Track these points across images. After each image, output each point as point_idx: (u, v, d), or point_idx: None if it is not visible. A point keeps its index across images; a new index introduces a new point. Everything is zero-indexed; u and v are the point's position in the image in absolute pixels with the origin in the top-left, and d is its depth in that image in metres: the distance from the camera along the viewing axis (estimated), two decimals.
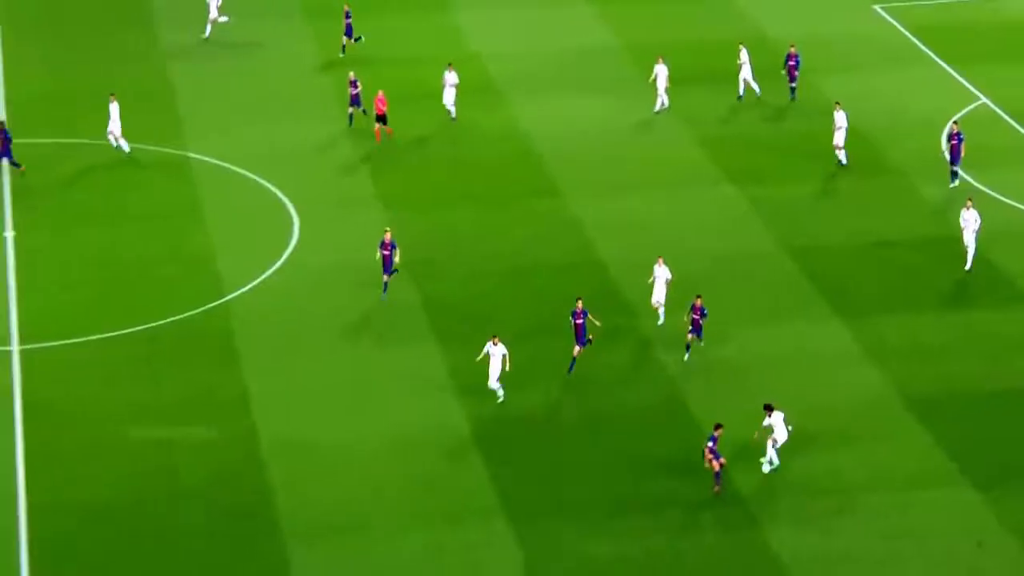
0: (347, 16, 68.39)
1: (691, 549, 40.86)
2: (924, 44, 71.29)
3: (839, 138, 59.35)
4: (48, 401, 46.48)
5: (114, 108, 60.24)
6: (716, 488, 42.30)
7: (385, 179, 59.64)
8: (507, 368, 45.52)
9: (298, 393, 47.15)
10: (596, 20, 74.17)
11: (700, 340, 47.96)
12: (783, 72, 64.42)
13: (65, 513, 42.04)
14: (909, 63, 69.85)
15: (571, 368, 47.32)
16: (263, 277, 53.13)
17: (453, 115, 63.06)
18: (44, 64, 68.79)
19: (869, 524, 41.25)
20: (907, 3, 75.72)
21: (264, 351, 48.93)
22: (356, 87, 61.91)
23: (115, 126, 60.23)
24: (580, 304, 46.97)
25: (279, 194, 58.50)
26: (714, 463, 42.07)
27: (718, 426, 42.44)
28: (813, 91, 65.56)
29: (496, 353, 45.57)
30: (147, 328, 50.14)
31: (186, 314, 50.85)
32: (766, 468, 43.07)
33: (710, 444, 42.16)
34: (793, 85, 64.37)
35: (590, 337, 47.31)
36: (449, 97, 62.72)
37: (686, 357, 47.92)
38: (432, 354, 48.90)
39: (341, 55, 68.39)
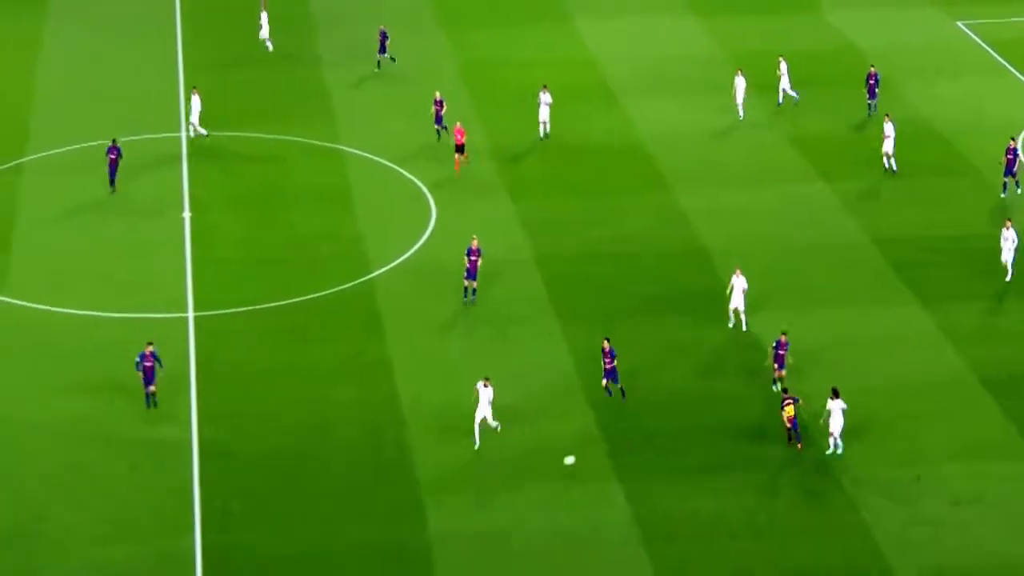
0: (383, 37, 67.22)
1: (781, 507, 40.79)
2: (1003, 57, 70.05)
3: (888, 146, 58.47)
4: (218, 362, 47.01)
5: (196, 100, 60.50)
6: (799, 445, 42.32)
7: (511, 172, 59.63)
8: (491, 412, 42.63)
9: (434, 361, 47.34)
10: (701, 31, 73.61)
11: (783, 372, 44.83)
12: (864, 90, 63.63)
13: (233, 461, 42.64)
14: (987, 74, 68.68)
15: (608, 391, 44.74)
16: (404, 257, 53.40)
17: (547, 131, 61.02)
18: (215, 66, 69.32)
19: (944, 492, 40.91)
20: (988, 20, 74.38)
21: (405, 323, 49.18)
22: (441, 107, 60.62)
23: (195, 116, 60.46)
24: (607, 344, 44.40)
25: (419, 184, 58.78)
26: (786, 413, 42.16)
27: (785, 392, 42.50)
28: (897, 98, 64.71)
29: (485, 395, 42.46)
30: (304, 300, 50.55)
31: (337, 288, 51.23)
32: (828, 452, 42.47)
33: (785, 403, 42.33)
34: (871, 102, 63.36)
35: (620, 387, 44.63)
36: (544, 114, 60.85)
37: (775, 388, 45.02)
38: (552, 329, 48.97)
39: (376, 70, 67.38)
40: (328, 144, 61.73)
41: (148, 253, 53.38)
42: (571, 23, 74.16)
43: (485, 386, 42.60)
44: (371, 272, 52.22)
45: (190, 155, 60.54)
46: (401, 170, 59.58)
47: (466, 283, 49.41)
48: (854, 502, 40.79)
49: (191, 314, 49.57)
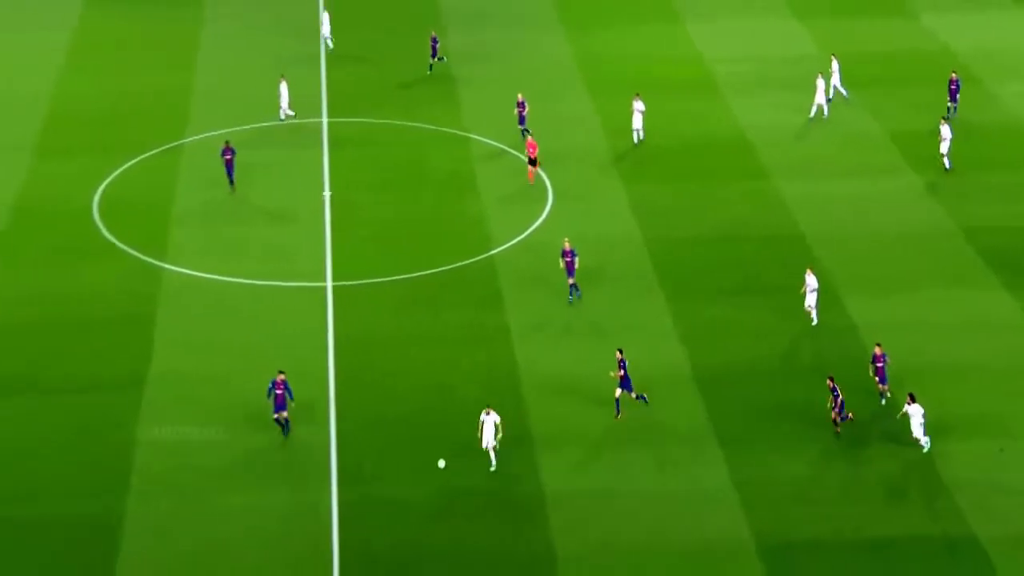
0: (434, 42, 66.44)
1: (871, 474, 40.41)
2: None
3: (944, 147, 57.12)
4: (353, 328, 47.40)
5: (283, 87, 60.70)
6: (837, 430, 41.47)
7: (624, 161, 59.42)
8: (500, 435, 40.52)
9: (549, 330, 47.41)
10: (802, 32, 72.63)
11: (886, 385, 42.72)
12: (949, 98, 62.25)
13: (365, 419, 43.02)
14: None
15: (618, 411, 42.66)
16: (522, 236, 53.43)
17: (640, 138, 59.31)
18: (354, 60, 69.80)
19: None
20: None
21: (522, 295, 49.28)
22: (523, 108, 59.73)
23: (284, 101, 60.68)
24: (620, 354, 42.40)
25: (538, 169, 58.70)
26: (834, 410, 41.17)
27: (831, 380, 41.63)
28: (989, 99, 63.38)
29: (489, 422, 40.47)
30: (431, 273, 50.90)
31: (462, 263, 51.48)
32: (925, 449, 41.26)
33: (835, 402, 41.18)
34: (951, 105, 61.87)
35: (635, 395, 42.64)
36: (637, 121, 59.03)
37: (883, 402, 42.95)
38: (659, 305, 48.79)
39: (428, 72, 66.49)
40: (455, 131, 61.91)
41: (292, 228, 53.98)
42: (681, 24, 73.58)
43: (488, 413, 40.41)
44: (492, 249, 52.37)
45: (331, 139, 61.08)
46: (521, 155, 59.56)
47: (571, 281, 48.46)
48: (940, 473, 40.16)
49: (329, 284, 49.99)
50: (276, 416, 41.35)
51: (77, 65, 67.98)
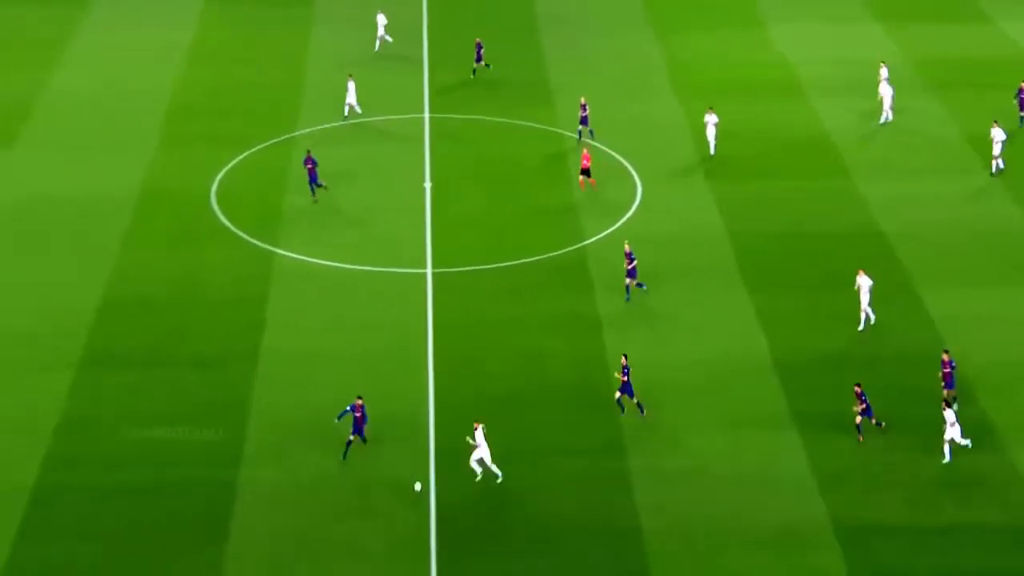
0: (479, 47, 65.94)
1: (932, 466, 39.87)
2: None
3: (996, 150, 56.05)
4: (451, 314, 47.66)
5: (351, 85, 60.85)
6: (859, 437, 40.65)
7: (709, 159, 59.04)
8: (489, 454, 39.23)
9: (637, 319, 47.35)
10: (883, 36, 71.75)
11: (953, 391, 41.61)
12: (1015, 102, 61.19)
13: (462, 398, 43.32)
14: None
15: (621, 405, 42.01)
16: (612, 228, 53.47)
17: (714, 150, 58.01)
18: (455, 60, 70.15)
19: None
20: None
21: (612, 286, 49.24)
22: (585, 110, 59.26)
23: (352, 98, 60.84)
24: (624, 360, 41.83)
25: (627, 164, 58.73)
26: (857, 413, 40.37)
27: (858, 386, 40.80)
28: None
29: (480, 434, 39.26)
30: (525, 262, 51.07)
31: (555, 253, 51.64)
32: (945, 460, 40.02)
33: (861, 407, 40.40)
34: (1023, 114, 60.85)
35: (636, 401, 41.83)
36: (711, 133, 57.88)
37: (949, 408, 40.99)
38: (742, 296, 48.62)
39: (472, 76, 66.01)
40: (549, 128, 62.03)
41: (394, 217, 54.46)
42: (764, 28, 73.02)
43: (477, 428, 39.23)
44: (584, 240, 52.41)
45: (432, 134, 61.50)
46: (612, 152, 59.61)
47: (627, 282, 47.83)
48: (1005, 459, 39.61)
49: (430, 271, 50.38)
50: (351, 438, 40.01)
51: (196, 61, 69.04)
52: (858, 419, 40.43)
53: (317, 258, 51.34)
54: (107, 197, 55.43)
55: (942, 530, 37.66)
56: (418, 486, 38.46)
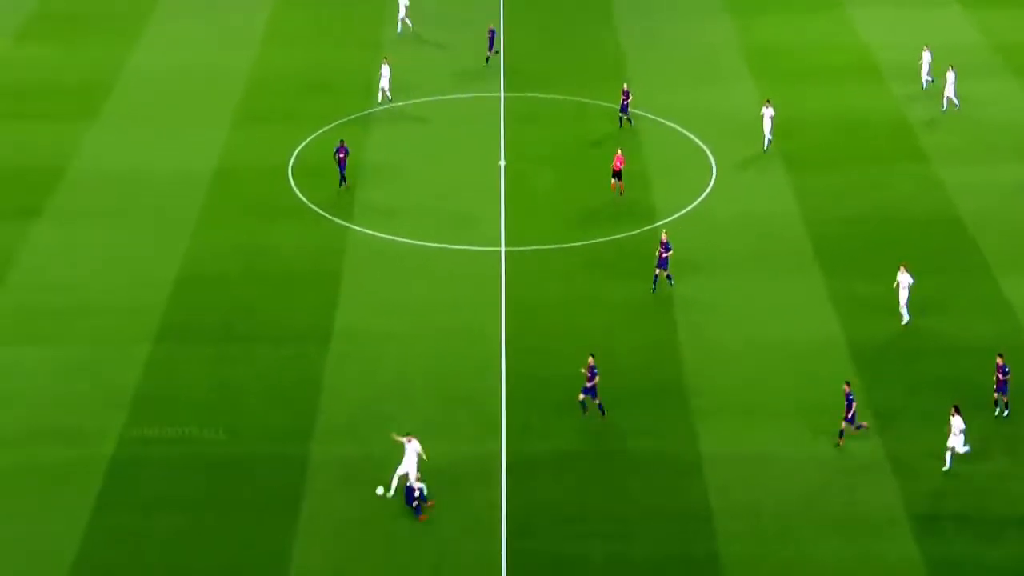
0: (492, 35, 64.97)
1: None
2: None
3: None
4: (523, 291, 47.53)
5: (385, 69, 60.27)
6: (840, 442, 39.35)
7: (786, 142, 58.34)
8: (424, 459, 37.62)
9: (710, 300, 46.94)
10: (964, 19, 70.40)
11: (1005, 396, 40.38)
12: None
13: (533, 378, 43.17)
14: None
15: (583, 406, 40.77)
16: (686, 210, 52.96)
17: (769, 143, 56.58)
18: (531, 45, 69.87)
19: None
20: None
21: (685, 266, 48.75)
22: (627, 97, 58.50)
23: (385, 83, 60.21)
24: (591, 360, 40.62)
25: (703, 146, 58.12)
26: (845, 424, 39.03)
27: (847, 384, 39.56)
28: None
29: (411, 450, 37.32)
30: (598, 242, 50.74)
31: (628, 233, 51.21)
32: (945, 468, 38.54)
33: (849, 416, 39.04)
34: None
35: (598, 402, 40.71)
36: (767, 127, 56.26)
37: (1006, 413, 40.70)
38: (816, 281, 47.92)
39: (485, 64, 64.96)
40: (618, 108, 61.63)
41: (469, 195, 54.32)
42: (844, 12, 71.96)
43: (409, 441, 37.40)
44: (657, 221, 51.94)
45: (507, 113, 61.24)
46: (687, 133, 59.02)
47: (657, 272, 46.67)
48: None
49: (503, 249, 50.23)
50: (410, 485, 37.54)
51: (273, 42, 69.29)
52: (843, 424, 38.94)
53: (392, 235, 51.32)
54: (185, 173, 55.80)
55: (1018, 521, 36.83)
56: (379, 490, 37.37)
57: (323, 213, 52.84)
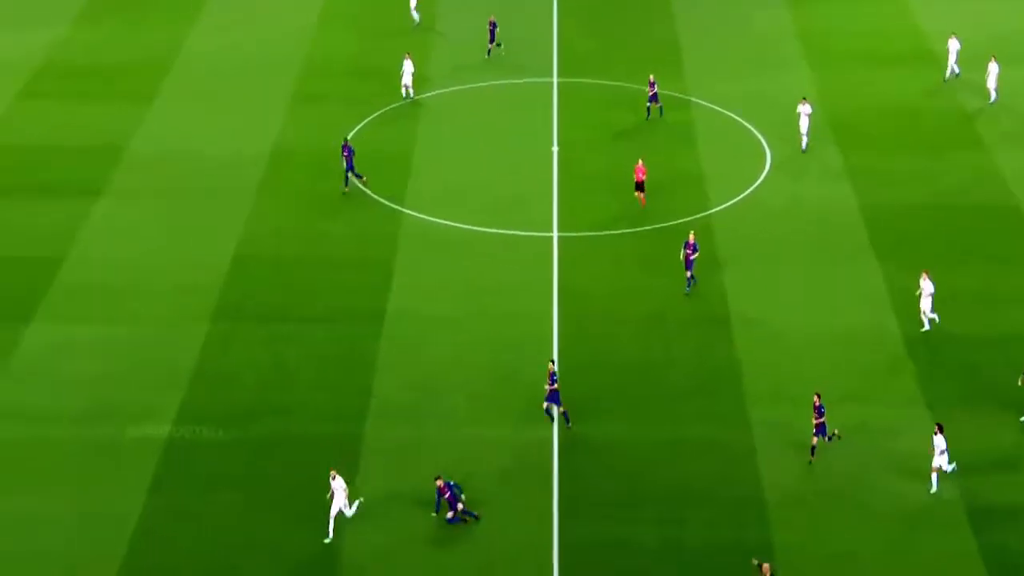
0: (492, 26, 64.01)
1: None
2: None
3: None
4: (575, 277, 47.36)
5: (408, 64, 59.65)
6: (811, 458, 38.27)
7: (840, 130, 57.78)
8: (346, 501, 36.12)
9: (764, 290, 46.64)
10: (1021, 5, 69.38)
11: None
12: None
13: (586, 363, 42.96)
14: None
15: (549, 414, 39.48)
16: (740, 197, 52.55)
17: (807, 144, 54.76)
18: (586, 26, 69.59)
19: None
20: None
21: (738, 254, 48.51)
22: (654, 87, 57.82)
23: (408, 79, 59.58)
24: (552, 366, 39.60)
25: (757, 133, 57.61)
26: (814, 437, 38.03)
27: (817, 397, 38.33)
28: None
29: (338, 487, 35.89)
30: (650, 228, 50.44)
31: (679, 221, 50.86)
32: (932, 490, 37.17)
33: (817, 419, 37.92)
34: None
35: (563, 410, 39.35)
36: (804, 126, 54.43)
37: None
38: (872, 269, 47.41)
39: (487, 57, 63.92)
40: (677, 95, 61.10)
41: (522, 180, 54.15)
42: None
43: (334, 478, 35.92)
44: (709, 209, 51.56)
45: (560, 97, 60.99)
46: (742, 120, 58.52)
47: (688, 274, 45.73)
48: None
49: (555, 234, 50.03)
50: (452, 516, 36.34)
51: (329, 25, 69.34)
52: (814, 439, 37.85)
53: (445, 219, 51.24)
54: (242, 154, 55.98)
55: None
56: (356, 505, 36.37)
57: (376, 197, 52.85)
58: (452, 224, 50.94)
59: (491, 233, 50.37)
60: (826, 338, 43.67)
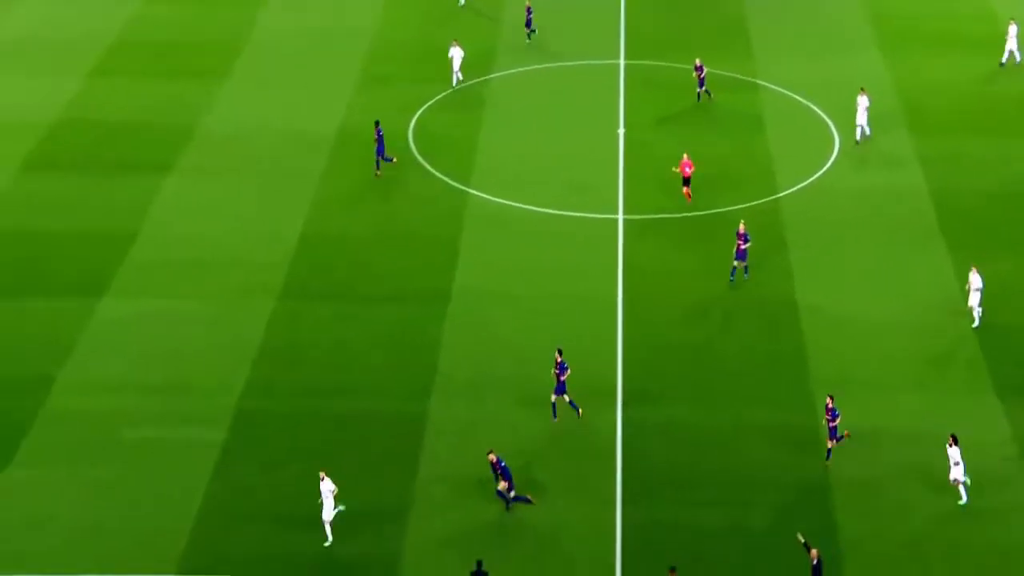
0: (528, 12, 63.25)
1: None
2: None
3: None
4: (641, 259, 47.19)
5: (456, 51, 59.07)
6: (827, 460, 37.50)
7: (911, 114, 56.91)
8: (338, 507, 35.59)
9: (831, 273, 46.15)
10: None
11: None
12: None
13: (647, 345, 42.78)
14: None
15: (554, 408, 39.25)
16: (808, 181, 51.98)
17: (867, 133, 53.60)
18: (654, 8, 69.14)
19: None
20: None
21: (805, 238, 48.06)
22: (702, 71, 56.86)
23: (457, 64, 58.87)
24: (559, 356, 39.06)
25: (825, 117, 56.89)
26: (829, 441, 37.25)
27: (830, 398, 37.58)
28: None
29: (325, 489, 35.31)
30: (718, 212, 49.97)
31: (748, 204, 50.46)
32: (962, 483, 36.25)
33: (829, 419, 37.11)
34: None
35: (568, 399, 39.16)
36: (862, 117, 53.28)
37: None
38: (941, 255, 46.71)
39: (527, 41, 63.18)
40: (746, 78, 60.52)
41: (588, 163, 53.92)
42: None
43: (323, 480, 35.32)
44: (778, 192, 51.08)
45: (627, 80, 60.61)
46: (809, 103, 57.83)
47: (735, 264, 45.10)
48: None
49: (621, 217, 49.81)
50: (500, 488, 36.07)
51: (397, 5, 69.35)
52: (829, 443, 37.16)
53: (510, 200, 51.14)
54: (310, 132, 56.21)
55: None
56: (341, 507, 35.65)
57: (443, 177, 52.85)
58: (518, 205, 50.83)
59: (557, 215, 50.20)
60: (893, 323, 43.12)
